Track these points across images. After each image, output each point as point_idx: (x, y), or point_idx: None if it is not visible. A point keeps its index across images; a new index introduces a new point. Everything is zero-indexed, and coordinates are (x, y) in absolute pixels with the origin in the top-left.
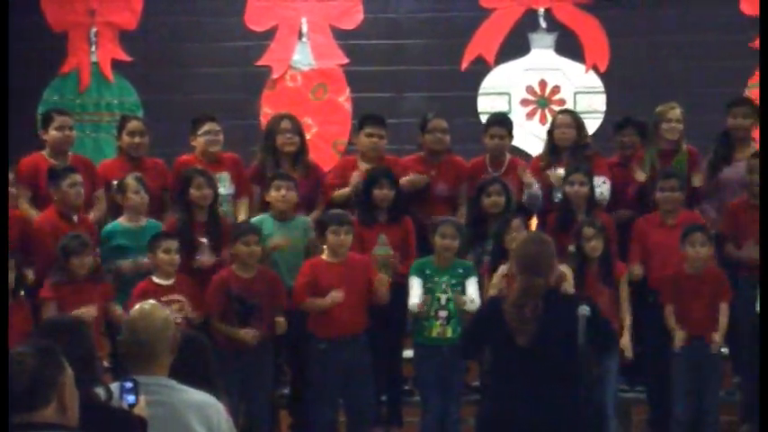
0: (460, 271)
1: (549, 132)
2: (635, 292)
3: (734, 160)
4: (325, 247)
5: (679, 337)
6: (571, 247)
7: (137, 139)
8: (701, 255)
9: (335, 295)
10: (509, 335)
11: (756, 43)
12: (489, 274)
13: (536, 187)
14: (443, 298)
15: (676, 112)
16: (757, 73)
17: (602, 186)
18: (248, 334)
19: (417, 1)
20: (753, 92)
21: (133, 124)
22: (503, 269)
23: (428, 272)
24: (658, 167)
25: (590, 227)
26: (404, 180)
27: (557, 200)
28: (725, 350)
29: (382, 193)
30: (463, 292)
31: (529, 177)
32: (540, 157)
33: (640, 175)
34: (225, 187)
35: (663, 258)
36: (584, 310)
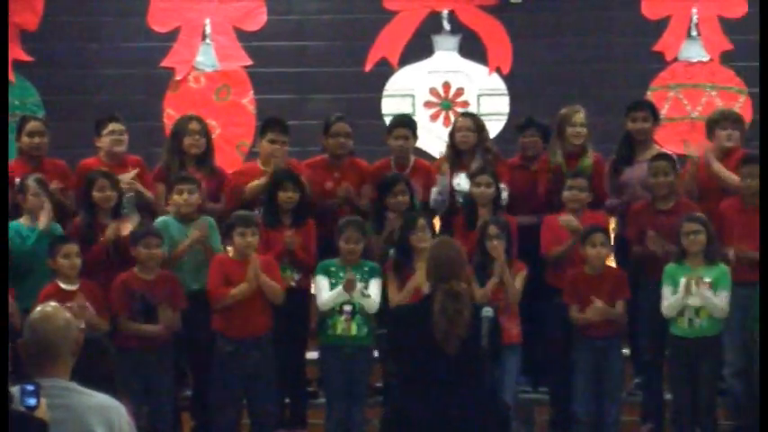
0: (366, 269)
1: (451, 135)
2: (538, 292)
3: (635, 162)
4: (230, 248)
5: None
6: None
7: (36, 140)
8: (601, 255)
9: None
10: (431, 340)
11: (658, 47)
12: (393, 272)
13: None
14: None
15: (580, 115)
16: (660, 75)
17: (503, 193)
18: (156, 328)
19: (321, 3)
20: (654, 94)
21: (32, 125)
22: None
23: (333, 269)
24: (565, 170)
25: (494, 225)
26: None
27: (461, 201)
28: (626, 351)
29: (286, 195)
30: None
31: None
32: (442, 160)
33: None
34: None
35: (565, 260)
36: (487, 311)
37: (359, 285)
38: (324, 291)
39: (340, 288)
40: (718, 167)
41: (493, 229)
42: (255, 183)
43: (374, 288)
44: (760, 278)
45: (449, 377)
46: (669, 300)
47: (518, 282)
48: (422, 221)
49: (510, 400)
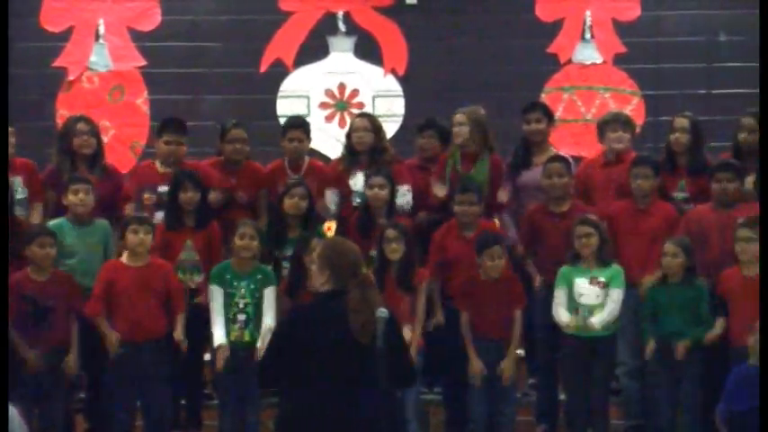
0: (260, 277)
1: (348, 136)
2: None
3: (532, 164)
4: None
5: (472, 360)
6: (372, 252)
7: None
8: (497, 267)
9: (115, 344)
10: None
11: (552, 48)
12: (289, 291)
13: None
14: (242, 302)
15: (459, 115)
16: (554, 77)
17: (407, 195)
18: (30, 354)
19: (215, 3)
20: (549, 96)
21: None
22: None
23: (228, 276)
24: (461, 172)
25: (392, 229)
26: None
27: (356, 203)
28: (521, 352)
29: (187, 196)
30: (261, 298)
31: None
32: (339, 161)
33: (440, 190)
34: (18, 192)
35: (461, 270)
36: (382, 312)
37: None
38: (217, 302)
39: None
40: None
41: (391, 233)
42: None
43: (269, 299)
44: (760, 278)
45: (343, 376)
46: (561, 313)
47: (420, 293)
48: (315, 242)
49: (413, 401)
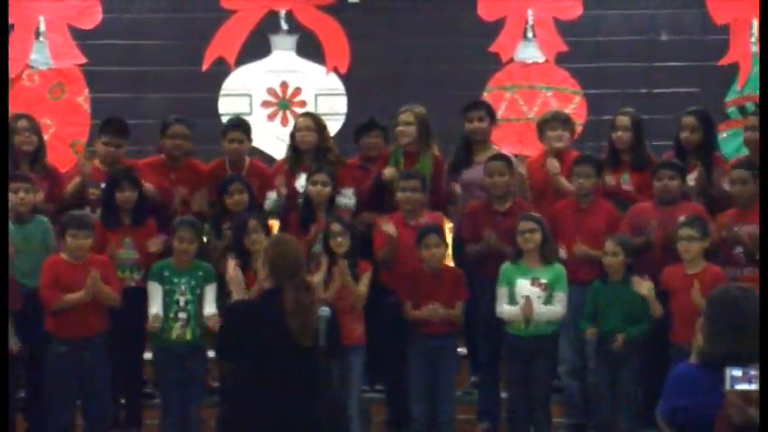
0: (200, 274)
1: (291, 136)
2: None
3: (474, 163)
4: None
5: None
6: (318, 247)
7: None
8: (436, 256)
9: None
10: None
11: (494, 48)
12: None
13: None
14: (182, 300)
15: (406, 114)
16: (496, 76)
17: (352, 199)
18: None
19: (157, 1)
20: (491, 95)
21: None
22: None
23: (167, 274)
24: (402, 169)
25: (338, 223)
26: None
27: (299, 200)
28: (462, 350)
29: (124, 195)
30: (202, 295)
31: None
32: (284, 161)
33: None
34: None
35: (403, 258)
36: (324, 311)
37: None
38: (155, 300)
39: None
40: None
41: (336, 227)
42: (72, 183)
43: (209, 296)
44: (760, 279)
45: (285, 375)
46: (505, 307)
47: (363, 283)
48: (253, 223)
49: (356, 399)
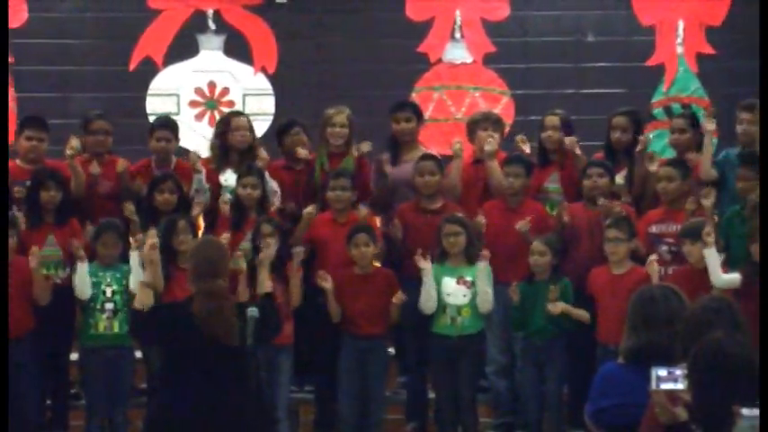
0: (126, 268)
1: (221, 135)
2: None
3: (401, 162)
4: None
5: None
6: (246, 244)
7: None
8: (365, 255)
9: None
10: (194, 338)
11: (422, 48)
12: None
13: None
14: (109, 291)
15: (342, 116)
16: (424, 76)
17: (277, 199)
18: None
19: (84, 1)
20: (419, 95)
21: None
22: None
23: (93, 269)
24: (328, 169)
25: (267, 224)
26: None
27: (226, 200)
28: (391, 350)
29: (48, 195)
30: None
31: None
32: (209, 160)
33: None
34: None
35: (333, 257)
36: (252, 311)
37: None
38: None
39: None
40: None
41: (266, 228)
42: None
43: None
44: (760, 279)
45: (212, 376)
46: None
47: (294, 283)
48: (182, 223)
49: (284, 400)
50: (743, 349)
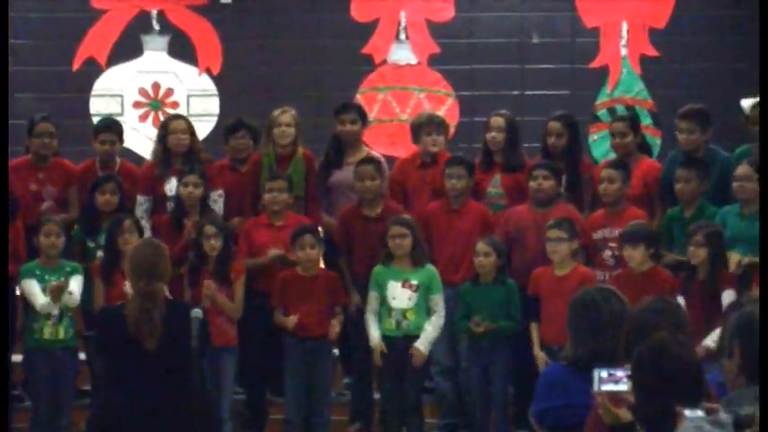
0: (68, 269)
1: (163, 138)
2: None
3: (344, 164)
4: None
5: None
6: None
7: None
8: (311, 257)
9: None
10: (131, 340)
11: (366, 49)
12: (103, 274)
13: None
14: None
15: (287, 116)
16: (369, 78)
17: (219, 201)
18: None
19: (27, 1)
20: (364, 96)
21: None
22: None
23: (38, 272)
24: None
25: (211, 225)
26: None
27: (169, 202)
28: (336, 351)
29: None
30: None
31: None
32: (152, 165)
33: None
34: None
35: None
36: (196, 312)
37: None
38: (38, 295)
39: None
40: None
41: (210, 229)
42: None
43: (75, 284)
44: (760, 279)
45: (152, 377)
46: (372, 330)
47: (238, 286)
48: (128, 223)
49: (228, 401)
50: (685, 350)
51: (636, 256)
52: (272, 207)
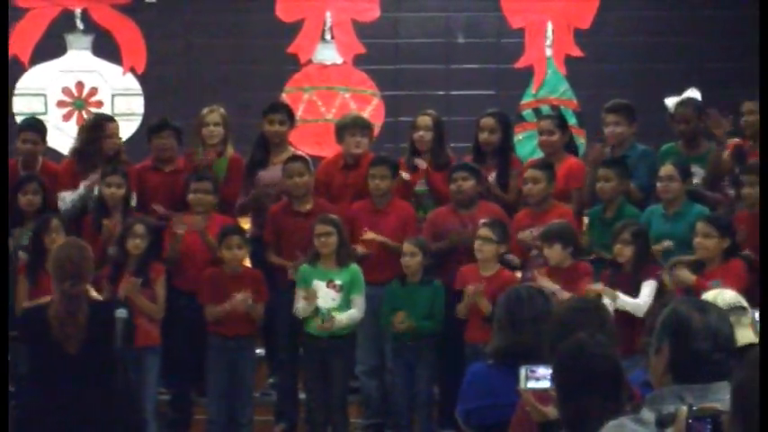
0: None
1: (97, 139)
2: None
3: (270, 164)
4: None
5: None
6: (111, 250)
7: None
8: (237, 257)
9: None
10: (54, 341)
11: (292, 49)
12: (28, 274)
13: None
14: None
15: (215, 114)
16: (294, 77)
17: (133, 200)
18: None
19: None
20: (289, 96)
21: None
22: None
23: None
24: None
25: (140, 224)
26: None
27: (92, 203)
28: (260, 351)
29: None
30: None
31: None
32: (71, 163)
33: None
34: None
35: (194, 262)
36: (121, 313)
37: None
38: None
39: None
40: None
41: (139, 228)
42: None
43: None
44: (760, 279)
45: (76, 378)
46: (300, 306)
47: (159, 285)
48: (55, 222)
49: (152, 402)
50: (604, 349)
51: (552, 254)
52: (197, 208)
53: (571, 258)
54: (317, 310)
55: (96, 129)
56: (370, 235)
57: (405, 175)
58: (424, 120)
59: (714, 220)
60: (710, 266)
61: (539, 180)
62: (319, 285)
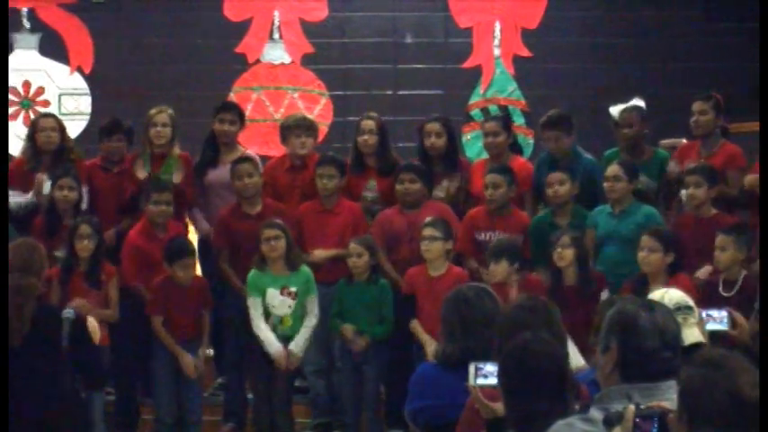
0: None
1: (32, 137)
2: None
3: (220, 163)
4: None
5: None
6: (59, 253)
7: None
8: (190, 275)
9: None
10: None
11: (240, 48)
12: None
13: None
14: None
15: (163, 115)
16: (242, 77)
17: (84, 202)
18: None
19: None
20: (237, 96)
21: None
22: None
23: None
24: (150, 172)
25: (87, 225)
26: None
27: (44, 204)
28: (210, 351)
29: None
30: None
31: None
32: (21, 162)
33: (141, 173)
34: None
35: (152, 267)
36: (68, 313)
37: None
38: None
39: None
40: None
41: (86, 229)
42: None
43: None
44: (760, 279)
45: (19, 377)
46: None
47: (111, 288)
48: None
49: (101, 403)
50: (549, 348)
51: (498, 270)
52: (157, 219)
53: (516, 274)
54: (268, 316)
55: (32, 125)
56: (317, 254)
57: (369, 194)
58: (368, 123)
59: (658, 233)
60: (655, 282)
61: (499, 185)
62: (273, 294)
